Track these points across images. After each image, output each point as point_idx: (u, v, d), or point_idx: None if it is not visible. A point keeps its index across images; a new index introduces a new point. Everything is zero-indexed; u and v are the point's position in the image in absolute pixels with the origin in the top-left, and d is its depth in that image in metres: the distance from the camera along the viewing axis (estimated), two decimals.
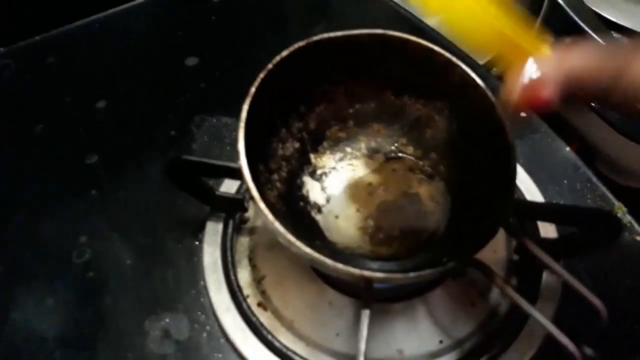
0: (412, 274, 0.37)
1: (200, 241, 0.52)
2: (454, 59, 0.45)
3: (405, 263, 0.45)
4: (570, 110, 0.80)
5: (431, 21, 0.90)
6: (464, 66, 0.45)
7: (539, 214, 0.47)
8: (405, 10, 0.79)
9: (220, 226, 0.53)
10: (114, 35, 0.73)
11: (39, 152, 0.62)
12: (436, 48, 0.46)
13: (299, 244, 0.37)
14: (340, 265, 0.36)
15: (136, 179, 0.58)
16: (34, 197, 0.58)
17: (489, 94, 0.44)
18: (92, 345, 0.47)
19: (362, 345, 0.38)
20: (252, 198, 0.38)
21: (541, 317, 0.39)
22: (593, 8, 0.73)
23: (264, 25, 0.76)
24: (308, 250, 0.36)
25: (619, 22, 0.72)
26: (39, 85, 0.68)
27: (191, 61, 0.69)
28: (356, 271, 0.37)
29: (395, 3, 0.81)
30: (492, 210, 0.42)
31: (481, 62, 0.76)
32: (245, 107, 0.41)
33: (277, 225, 0.37)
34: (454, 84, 0.46)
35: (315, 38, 0.44)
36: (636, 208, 0.79)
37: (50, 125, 0.63)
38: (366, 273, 0.37)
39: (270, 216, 0.37)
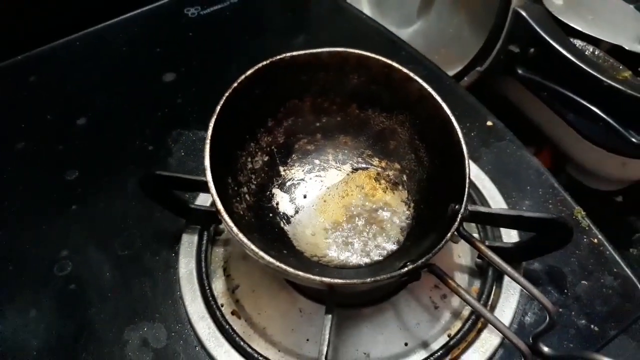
0: (369, 280, 0.39)
1: (177, 253, 0.54)
2: (411, 74, 0.48)
3: (366, 270, 0.47)
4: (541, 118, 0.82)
5: (406, 32, 0.93)
6: (420, 81, 0.47)
7: (496, 221, 0.50)
8: (378, 23, 0.81)
9: (195, 238, 0.55)
10: (94, 53, 0.76)
11: (21, 168, 0.63)
12: (394, 64, 0.48)
13: (261, 253, 0.39)
14: (300, 273, 0.39)
15: (115, 194, 0.60)
16: (16, 213, 0.59)
17: (445, 106, 0.46)
18: (74, 355, 0.49)
19: (324, 349, 0.40)
20: (217, 211, 0.40)
21: (493, 318, 0.41)
22: (560, 18, 0.76)
23: (240, 41, 0.78)
24: (269, 258, 0.38)
25: (585, 30, 0.75)
26: (21, 104, 0.70)
27: (168, 77, 0.72)
28: (316, 278, 0.39)
29: (369, 17, 0.83)
30: (448, 217, 0.44)
31: (451, 74, 0.79)
32: (211, 125, 0.43)
33: (241, 236, 0.39)
34: (413, 98, 0.49)
35: (278, 57, 0.47)
36: (604, 210, 0.82)
37: (31, 143, 0.65)
38: (325, 280, 0.39)
39: (234, 228, 0.39)
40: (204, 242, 0.54)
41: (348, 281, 0.39)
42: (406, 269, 0.40)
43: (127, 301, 0.52)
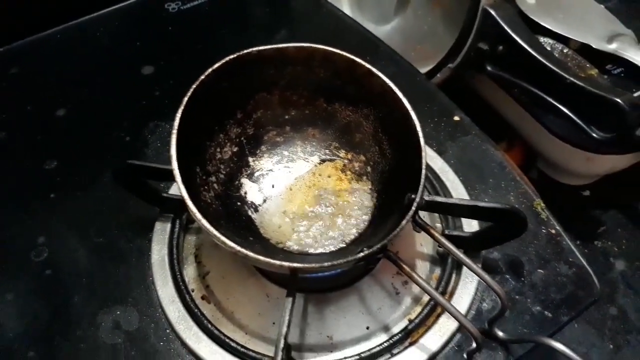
0: (326, 264, 0.41)
1: (150, 240, 0.56)
2: (373, 69, 0.50)
3: (328, 256, 0.49)
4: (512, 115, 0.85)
5: (384, 29, 0.95)
6: (382, 76, 0.49)
7: (453, 211, 0.52)
8: (355, 21, 0.83)
9: (168, 226, 0.57)
10: (75, 46, 0.77)
11: (1, 158, 0.65)
12: (357, 59, 0.50)
13: (223, 238, 0.41)
14: (261, 257, 0.41)
15: (92, 183, 0.62)
16: None
17: (404, 100, 0.48)
18: (49, 337, 0.51)
19: (284, 330, 0.42)
20: (183, 200, 0.42)
21: (445, 302, 0.43)
22: (531, 16, 0.78)
23: (220, 36, 0.80)
24: (230, 243, 0.41)
25: (554, 29, 0.77)
26: (2, 95, 0.71)
27: (147, 70, 0.73)
28: (275, 262, 0.41)
29: (346, 14, 0.85)
30: (405, 206, 0.46)
31: (424, 70, 0.81)
32: (178, 116, 0.45)
33: (204, 222, 0.41)
34: (376, 92, 0.51)
35: (245, 51, 0.49)
36: (571, 203, 0.84)
37: (12, 133, 0.67)
38: (284, 264, 0.41)
39: (197, 214, 0.41)
40: (177, 229, 0.56)
41: (306, 265, 0.41)
42: (362, 254, 0.42)
43: (101, 286, 0.54)
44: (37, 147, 0.66)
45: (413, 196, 0.45)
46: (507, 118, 0.86)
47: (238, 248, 0.40)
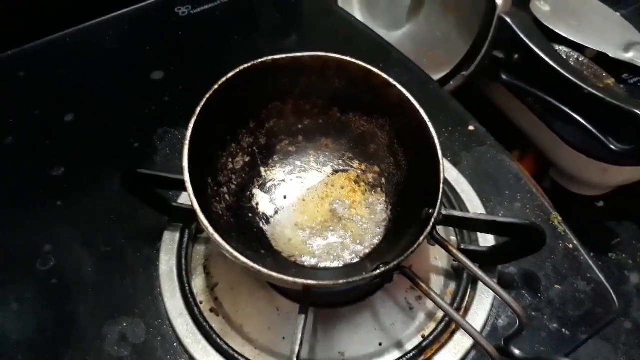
0: (341, 281, 0.40)
1: (158, 250, 0.55)
2: (390, 79, 0.48)
3: (342, 271, 0.48)
4: (526, 123, 0.83)
5: (395, 35, 0.94)
6: (399, 86, 0.48)
7: (470, 226, 0.51)
8: (367, 27, 0.82)
9: (177, 235, 0.55)
10: (84, 50, 0.76)
11: (7, 163, 0.64)
12: (374, 69, 0.49)
13: (235, 253, 0.40)
14: (274, 274, 0.40)
15: (100, 190, 0.61)
16: (1, 207, 0.60)
17: (421, 110, 0.47)
18: (54, 349, 0.50)
19: (296, 348, 0.41)
20: (194, 212, 0.41)
21: (462, 320, 0.42)
22: (546, 24, 0.77)
23: (231, 40, 0.79)
24: (243, 259, 0.39)
25: (569, 37, 0.76)
26: (10, 99, 0.70)
27: (157, 75, 0.72)
28: (289, 279, 0.40)
29: (359, 20, 0.84)
30: (422, 220, 0.45)
31: (437, 77, 0.80)
32: (191, 126, 0.44)
33: (216, 237, 0.40)
34: (392, 102, 0.49)
35: (260, 60, 0.48)
36: (585, 215, 0.83)
37: (18, 138, 0.66)
38: (298, 280, 0.40)
39: (210, 228, 0.40)
40: (185, 239, 0.55)
41: (321, 282, 0.40)
42: (378, 271, 0.41)
43: (107, 296, 0.53)
44: (44, 152, 0.65)
45: (430, 211, 0.44)
46: (520, 127, 0.85)
47: (251, 264, 0.39)
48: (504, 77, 0.76)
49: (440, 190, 0.44)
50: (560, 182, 0.84)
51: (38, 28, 0.76)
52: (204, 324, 0.50)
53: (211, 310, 0.52)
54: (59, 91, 0.71)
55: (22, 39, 0.75)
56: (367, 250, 0.50)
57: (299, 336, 0.41)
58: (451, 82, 0.80)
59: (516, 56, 0.72)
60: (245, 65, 0.47)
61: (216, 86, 0.46)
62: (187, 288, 0.52)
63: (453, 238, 0.56)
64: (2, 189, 0.62)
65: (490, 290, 0.51)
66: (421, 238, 0.42)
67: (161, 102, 0.70)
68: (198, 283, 0.54)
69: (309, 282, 0.40)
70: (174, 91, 0.71)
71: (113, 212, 0.59)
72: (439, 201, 0.44)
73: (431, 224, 0.43)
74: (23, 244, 0.57)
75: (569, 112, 0.71)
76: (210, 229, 0.40)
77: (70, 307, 0.52)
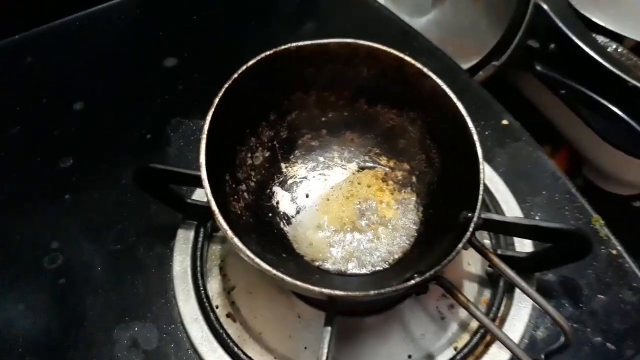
0: (372, 292, 0.36)
1: (171, 249, 0.52)
2: (424, 69, 0.44)
3: (370, 279, 0.44)
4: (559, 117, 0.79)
5: (419, 22, 0.89)
6: (434, 77, 0.44)
7: (510, 231, 0.47)
8: (391, 12, 0.77)
9: (191, 234, 0.52)
10: (94, 34, 0.73)
11: (14, 154, 0.61)
12: (407, 58, 0.45)
13: (257, 260, 0.36)
14: (299, 283, 0.36)
15: (110, 184, 0.58)
16: (7, 200, 0.57)
17: (460, 105, 0.43)
18: (61, 352, 0.47)
19: None
20: (212, 212, 0.37)
21: (503, 336, 0.38)
22: (582, 12, 0.72)
23: (248, 25, 0.75)
24: (266, 266, 0.36)
25: (607, 26, 0.71)
26: (17, 86, 0.67)
27: (170, 62, 0.69)
28: (315, 289, 0.36)
29: (382, 5, 0.79)
30: (459, 225, 0.41)
31: (465, 67, 0.75)
32: (208, 119, 0.40)
33: (236, 241, 0.37)
34: (426, 94, 0.46)
35: (283, 47, 0.44)
36: (619, 214, 0.78)
37: (26, 128, 0.63)
38: (325, 291, 0.36)
39: (229, 231, 0.37)
40: (200, 238, 0.52)
41: (350, 293, 0.36)
42: (413, 281, 0.37)
43: (118, 298, 0.50)
44: (52, 143, 0.62)
45: (469, 215, 0.40)
46: (552, 121, 0.80)
47: (275, 272, 0.36)
48: (538, 67, 0.71)
49: (481, 193, 0.40)
50: (594, 180, 0.80)
51: (47, 11, 0.73)
52: (220, 330, 0.46)
53: (228, 316, 0.48)
54: (68, 78, 0.68)
55: (31, 22, 0.72)
56: (397, 256, 0.46)
57: (325, 351, 0.38)
58: (480, 73, 0.76)
59: (552, 46, 0.68)
60: (267, 53, 0.43)
61: (236, 75, 0.42)
62: (202, 291, 0.49)
63: (487, 242, 0.53)
64: (8, 181, 0.59)
65: (528, 299, 0.47)
66: (460, 245, 0.38)
67: (175, 90, 0.66)
68: (214, 286, 0.50)
69: (337, 292, 0.36)
70: (188, 79, 0.67)
71: (124, 207, 0.56)
72: (479, 204, 0.40)
73: (470, 229, 0.39)
74: (29, 240, 0.54)
75: (609, 105, 0.66)
76: (230, 232, 0.37)
77: (79, 309, 0.50)
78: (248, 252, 0.36)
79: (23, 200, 0.57)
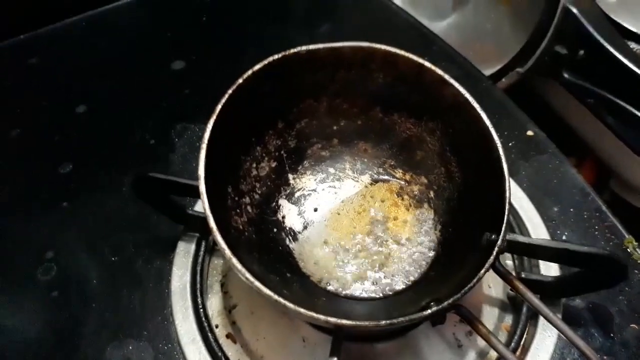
0: (382, 322, 0.33)
1: (171, 263, 0.49)
2: (446, 76, 0.41)
3: (381, 304, 0.40)
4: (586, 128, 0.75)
5: (439, 26, 0.85)
6: (456, 84, 0.41)
7: (537, 254, 0.43)
8: (410, 15, 0.74)
9: (192, 247, 0.49)
10: (99, 35, 0.70)
11: (13, 158, 0.59)
12: (427, 64, 0.41)
13: (257, 284, 0.33)
14: (302, 310, 0.33)
15: (110, 192, 0.55)
16: (3, 206, 0.55)
17: (484, 116, 0.40)
18: None
19: None
20: (209, 229, 0.34)
21: None
22: (613, 18, 0.68)
23: (259, 27, 0.72)
24: (267, 291, 0.32)
25: (639, 32, 0.67)
26: (19, 87, 0.65)
27: (177, 65, 0.66)
28: (320, 317, 0.33)
29: (400, 8, 0.76)
30: (481, 247, 0.37)
31: (487, 73, 0.71)
32: (209, 127, 0.37)
33: (235, 261, 0.33)
34: (446, 103, 0.42)
35: (293, 51, 0.40)
36: None
37: (26, 130, 0.61)
38: (331, 320, 0.33)
39: (227, 251, 0.34)
40: (202, 252, 0.49)
41: (358, 323, 0.33)
42: (429, 311, 0.33)
43: (112, 314, 0.47)
44: (51, 147, 0.59)
45: (493, 237, 0.36)
46: (578, 131, 0.76)
47: (276, 297, 0.32)
48: (566, 75, 0.67)
49: (507, 213, 0.36)
50: (622, 195, 0.75)
51: (53, 11, 0.71)
52: (219, 353, 0.43)
53: (227, 337, 0.45)
54: (72, 80, 0.66)
55: (36, 22, 0.70)
56: (411, 279, 0.43)
57: None
58: (503, 80, 0.72)
59: (582, 52, 0.63)
60: (275, 57, 0.40)
61: (240, 81, 0.39)
62: (202, 309, 0.46)
63: (509, 262, 0.49)
64: (4, 185, 0.56)
65: (553, 327, 0.43)
66: (482, 271, 0.34)
67: (181, 94, 0.63)
68: (214, 303, 0.47)
69: (344, 322, 0.33)
70: (195, 83, 0.64)
71: (123, 217, 0.53)
72: (504, 225, 0.36)
73: (494, 253, 0.35)
74: (24, 248, 0.52)
75: None
76: (228, 252, 0.34)
77: (71, 325, 0.47)
78: (248, 275, 0.33)
79: (19, 206, 0.55)
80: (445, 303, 0.33)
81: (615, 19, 0.68)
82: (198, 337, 0.44)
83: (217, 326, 0.46)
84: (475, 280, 0.34)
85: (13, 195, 0.56)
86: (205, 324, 0.45)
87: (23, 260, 0.51)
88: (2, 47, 0.68)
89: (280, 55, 0.40)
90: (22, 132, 0.60)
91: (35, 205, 0.55)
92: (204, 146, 0.36)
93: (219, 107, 0.38)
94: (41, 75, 0.66)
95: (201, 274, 0.48)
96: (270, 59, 0.40)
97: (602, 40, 0.61)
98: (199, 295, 0.46)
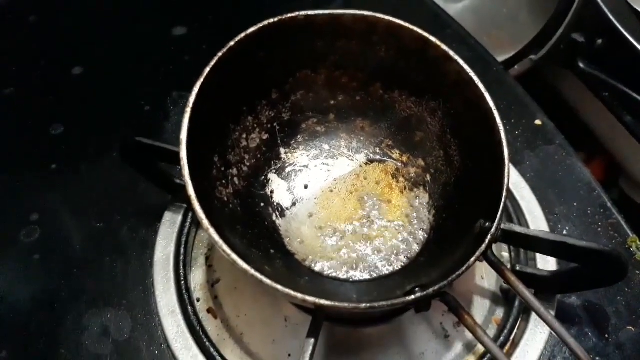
0: (362, 305, 0.31)
1: (156, 232, 0.47)
2: (450, 52, 0.39)
3: (367, 286, 0.39)
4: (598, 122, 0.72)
5: (454, 8, 0.83)
6: (461, 61, 0.38)
7: (533, 246, 0.41)
8: None
9: (179, 218, 0.48)
10: None
11: (4, 116, 0.57)
12: (432, 38, 0.39)
13: (233, 256, 0.31)
14: (279, 287, 0.31)
15: (100, 157, 0.54)
16: None
17: (488, 96, 0.37)
18: (26, 334, 0.43)
19: None
20: (186, 195, 0.32)
21: None
22: (635, 6, 0.65)
23: None
24: (242, 264, 0.31)
25: None
26: (17, 45, 0.64)
27: (179, 31, 0.64)
28: (297, 295, 0.31)
29: None
30: (474, 235, 0.35)
31: (500, 59, 0.68)
32: (195, 90, 0.35)
33: (212, 232, 0.32)
34: (450, 82, 0.40)
35: (290, 15, 0.38)
36: None
37: (20, 89, 0.59)
38: (309, 299, 0.31)
39: (205, 221, 0.32)
40: (188, 223, 0.47)
41: (336, 304, 0.31)
42: (413, 296, 0.32)
43: (93, 281, 0.47)
44: (45, 107, 0.58)
45: (487, 224, 0.35)
46: (590, 125, 0.73)
47: (252, 272, 0.31)
48: (581, 65, 0.64)
49: (503, 200, 0.34)
50: (631, 193, 0.72)
51: None
52: (198, 327, 0.42)
53: (208, 311, 0.44)
54: (71, 40, 0.64)
55: None
56: (401, 263, 0.41)
57: None
58: (516, 67, 0.69)
59: (600, 41, 0.60)
60: (271, 21, 0.38)
61: (232, 43, 0.37)
62: (183, 282, 0.45)
63: (505, 254, 0.47)
64: None
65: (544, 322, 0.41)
66: (472, 259, 0.33)
67: (181, 61, 0.62)
68: (197, 276, 0.46)
69: (322, 302, 0.31)
70: (196, 51, 0.62)
71: (111, 183, 0.52)
72: (500, 213, 0.34)
73: (487, 242, 0.33)
74: (8, 208, 0.51)
75: None
76: (205, 221, 0.32)
77: (50, 289, 0.46)
78: (225, 247, 0.32)
79: (6, 166, 0.54)
80: (431, 290, 0.32)
81: (637, 8, 0.65)
82: (178, 310, 0.43)
83: (198, 300, 0.45)
84: (464, 268, 0.32)
85: (3, 153, 0.54)
86: (186, 297, 0.44)
87: (7, 220, 0.50)
88: (2, 4, 0.67)
89: (276, 19, 0.38)
90: (16, 90, 0.59)
91: (23, 165, 0.54)
92: (188, 110, 0.34)
93: (208, 69, 0.36)
94: (40, 34, 0.65)
95: (186, 245, 0.46)
96: (266, 22, 0.38)
97: (622, 29, 0.58)
98: (181, 267, 0.45)
